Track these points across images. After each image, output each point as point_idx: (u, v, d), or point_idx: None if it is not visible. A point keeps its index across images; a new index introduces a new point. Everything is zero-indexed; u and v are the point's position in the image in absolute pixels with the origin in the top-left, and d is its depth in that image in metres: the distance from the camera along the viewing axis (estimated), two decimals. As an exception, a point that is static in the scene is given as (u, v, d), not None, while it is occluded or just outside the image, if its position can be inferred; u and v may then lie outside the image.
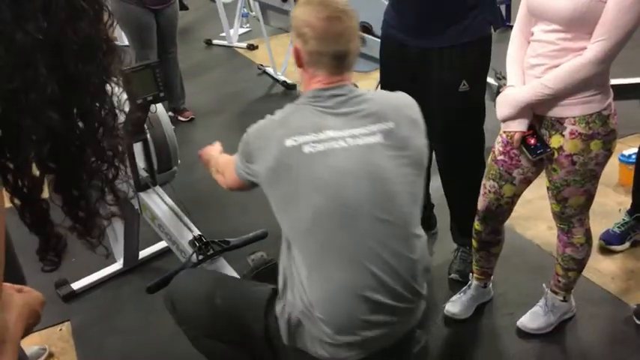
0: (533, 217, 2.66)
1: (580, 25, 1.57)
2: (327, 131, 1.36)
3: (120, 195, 0.85)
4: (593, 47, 1.57)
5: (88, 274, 2.51)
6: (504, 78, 2.13)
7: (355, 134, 1.37)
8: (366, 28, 3.13)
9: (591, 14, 1.54)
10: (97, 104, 0.75)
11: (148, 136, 2.08)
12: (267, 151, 1.38)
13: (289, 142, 1.35)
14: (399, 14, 2.14)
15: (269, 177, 1.39)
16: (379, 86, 2.43)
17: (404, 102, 1.49)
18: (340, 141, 1.36)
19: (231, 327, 1.55)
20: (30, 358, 2.12)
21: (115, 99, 0.79)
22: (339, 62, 1.40)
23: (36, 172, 0.72)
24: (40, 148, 0.69)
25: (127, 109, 0.87)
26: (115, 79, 0.78)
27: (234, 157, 1.57)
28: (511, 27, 1.89)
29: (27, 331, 0.88)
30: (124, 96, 0.84)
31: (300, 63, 1.43)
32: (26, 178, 0.71)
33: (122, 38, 5.26)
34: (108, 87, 0.76)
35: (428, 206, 2.62)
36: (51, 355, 2.18)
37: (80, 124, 0.73)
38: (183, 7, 5.97)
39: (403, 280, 1.39)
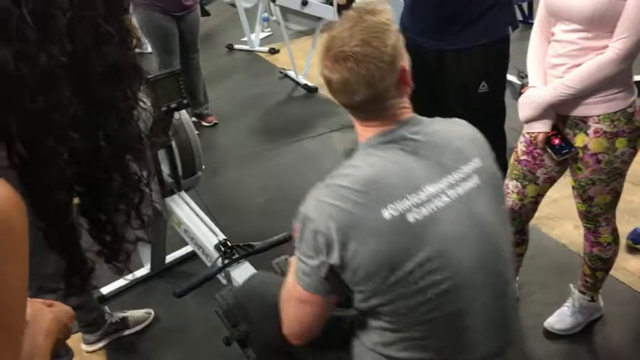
0: (559, 217, 2.63)
1: (601, 24, 1.56)
2: (426, 187, 1.09)
3: (145, 219, 0.85)
4: (615, 45, 1.56)
5: (117, 279, 2.55)
6: (527, 77, 2.12)
7: (452, 182, 1.13)
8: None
9: (612, 13, 1.53)
10: (124, 128, 0.76)
11: (173, 142, 2.11)
12: (357, 234, 1.05)
13: (388, 214, 1.05)
14: (416, 17, 2.14)
15: (369, 267, 1.06)
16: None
17: (467, 127, 1.27)
18: (442, 196, 1.10)
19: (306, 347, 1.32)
20: (137, 321, 2.31)
21: (142, 124, 0.80)
22: (374, 107, 1.14)
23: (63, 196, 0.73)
24: (63, 171, 0.70)
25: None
26: (142, 104, 0.79)
27: (293, 269, 1.19)
28: (533, 24, 1.88)
29: (59, 344, 0.89)
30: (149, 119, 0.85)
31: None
32: (52, 201, 0.72)
33: (146, 45, 5.35)
34: (135, 112, 0.77)
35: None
36: (81, 358, 2.23)
37: (106, 147, 0.74)
38: (205, 13, 6.04)
39: (500, 337, 1.20)
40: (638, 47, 1.56)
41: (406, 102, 1.19)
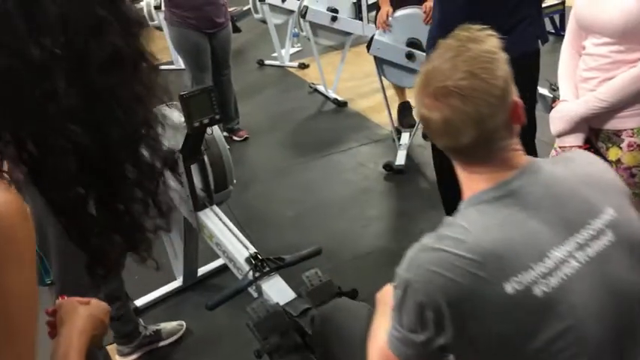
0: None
1: (632, 37, 1.54)
2: (552, 251, 0.92)
3: (164, 207, 0.84)
4: (648, 58, 1.54)
5: (150, 291, 2.60)
6: (558, 89, 2.11)
7: (581, 242, 0.94)
8: (416, 44, 3.14)
9: (644, 25, 1.52)
10: (129, 117, 0.73)
11: (205, 157, 2.15)
12: (474, 312, 0.90)
13: (511, 288, 0.89)
14: (447, 31, 2.14)
15: (488, 349, 0.93)
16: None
17: (592, 165, 1.06)
18: (571, 261, 0.93)
19: None
20: (170, 333, 2.36)
21: (159, 114, 0.77)
22: (482, 150, 0.97)
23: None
24: (70, 164, 0.68)
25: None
26: (157, 93, 0.76)
27: (387, 332, 1.02)
28: (564, 36, 1.87)
29: (95, 340, 0.90)
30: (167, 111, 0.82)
31: None
32: (66, 195, 0.71)
33: (179, 62, 5.46)
34: (147, 99, 0.74)
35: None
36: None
37: (114, 138, 0.72)
38: (236, 30, 6.13)
39: None
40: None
41: (517, 143, 1.02)
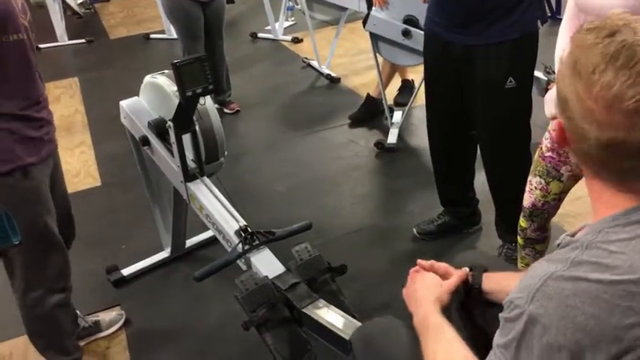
0: (582, 214, 2.60)
1: (634, 19, 1.53)
2: None
3: None
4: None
5: (137, 261, 2.59)
6: (554, 72, 2.10)
7: None
8: (412, 21, 3.11)
9: (646, 8, 1.50)
10: None
11: (197, 127, 2.13)
12: (617, 347, 0.76)
13: None
14: (444, 11, 2.12)
15: None
16: (423, 83, 2.42)
17: None
18: None
19: None
20: (110, 322, 2.29)
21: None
22: None
23: None
24: None
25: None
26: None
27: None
28: (561, 19, 1.86)
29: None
30: None
31: (565, 145, 0.90)
32: None
33: (171, 31, 5.38)
34: None
35: (473, 202, 2.60)
36: (103, 339, 2.27)
37: None
38: (230, 1, 6.04)
39: None
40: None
41: None
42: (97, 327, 2.26)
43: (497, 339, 0.87)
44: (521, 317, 0.81)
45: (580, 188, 1.99)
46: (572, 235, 0.90)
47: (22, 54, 1.67)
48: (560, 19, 1.79)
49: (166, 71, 2.15)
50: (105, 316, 2.30)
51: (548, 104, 1.77)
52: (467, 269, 1.32)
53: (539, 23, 2.04)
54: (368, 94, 3.85)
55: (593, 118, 0.79)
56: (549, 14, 5.07)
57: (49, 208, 1.82)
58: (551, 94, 1.75)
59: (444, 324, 1.10)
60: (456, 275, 1.26)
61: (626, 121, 0.77)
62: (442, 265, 1.29)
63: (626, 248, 0.80)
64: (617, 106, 0.77)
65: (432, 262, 1.30)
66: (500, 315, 0.87)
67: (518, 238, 2.08)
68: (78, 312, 2.20)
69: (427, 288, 1.21)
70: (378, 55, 3.42)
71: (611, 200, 0.86)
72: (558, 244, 0.90)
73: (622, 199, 0.85)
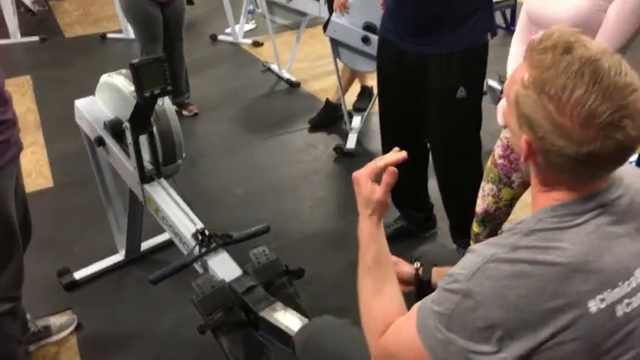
0: (532, 221, 2.69)
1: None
2: (638, 270, 0.87)
3: None
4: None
5: (90, 264, 2.54)
6: (507, 82, 2.16)
7: None
8: (371, 28, 3.15)
9: (592, 23, 1.57)
10: None
11: (154, 128, 2.10)
12: (546, 328, 0.82)
13: (594, 306, 0.83)
14: (398, 20, 2.16)
15: None
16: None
17: None
18: None
19: None
20: (61, 327, 2.23)
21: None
22: (617, 157, 0.87)
23: None
24: None
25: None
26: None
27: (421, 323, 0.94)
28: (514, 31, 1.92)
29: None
30: None
31: (530, 160, 0.92)
32: None
33: (128, 31, 5.29)
34: None
35: (427, 207, 2.66)
36: (53, 345, 2.21)
37: None
38: (190, 2, 5.96)
39: None
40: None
41: None
42: (47, 331, 2.20)
43: (432, 304, 0.92)
44: (459, 291, 0.87)
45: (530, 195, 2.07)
46: None
47: None
48: (514, 31, 1.86)
49: (123, 71, 2.12)
50: (55, 321, 2.24)
51: (500, 112, 1.82)
52: (417, 264, 1.38)
53: (489, 36, 2.10)
54: (327, 99, 3.88)
55: (570, 135, 0.82)
56: (503, 26, 5.25)
57: (12, 213, 1.76)
58: (504, 102, 1.81)
59: (379, 253, 1.12)
60: (384, 185, 1.16)
61: (601, 134, 0.81)
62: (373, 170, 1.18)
63: (561, 236, 0.86)
64: (592, 122, 0.81)
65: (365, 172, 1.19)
66: (439, 283, 0.93)
67: (471, 242, 2.13)
68: (28, 316, 2.14)
69: (365, 199, 1.16)
70: (338, 60, 3.45)
71: (559, 194, 0.91)
72: (500, 232, 0.96)
73: (566, 195, 0.90)
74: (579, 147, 0.82)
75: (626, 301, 0.85)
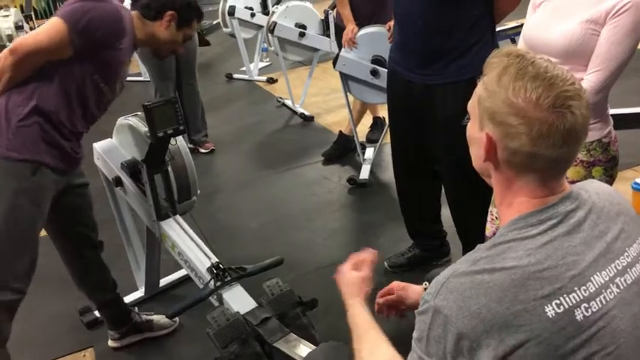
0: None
1: (576, 57, 1.64)
2: (594, 276, 0.91)
3: None
4: (589, 78, 1.63)
5: (111, 302, 2.58)
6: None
7: (620, 269, 0.94)
8: (380, 61, 3.22)
9: (585, 47, 1.61)
10: None
11: (169, 167, 2.17)
12: (513, 337, 0.86)
13: (551, 310, 0.87)
14: (404, 52, 2.23)
15: None
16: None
17: (622, 199, 1.06)
18: (612, 286, 0.92)
19: None
20: (162, 326, 2.39)
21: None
22: (558, 166, 0.96)
23: None
24: None
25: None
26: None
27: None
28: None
29: None
30: None
31: (491, 158, 0.97)
32: None
33: (146, 74, 5.46)
34: None
35: (441, 234, 2.67)
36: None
37: None
38: (206, 43, 6.17)
39: None
40: (610, 80, 1.63)
41: None
42: (149, 325, 2.38)
43: (414, 334, 0.96)
44: (429, 310, 0.91)
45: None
46: None
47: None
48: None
49: (139, 113, 2.20)
50: (160, 318, 2.40)
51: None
52: (426, 284, 1.42)
53: None
54: (340, 131, 3.94)
55: (525, 114, 0.91)
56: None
57: (42, 213, 1.86)
58: None
59: (369, 324, 1.18)
60: (366, 264, 1.35)
61: (552, 112, 0.90)
62: (355, 261, 1.37)
63: (518, 247, 0.91)
64: (542, 103, 0.90)
65: (347, 264, 1.37)
66: (415, 311, 0.97)
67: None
68: (136, 308, 2.39)
69: (348, 286, 1.29)
70: (348, 93, 3.52)
71: (518, 206, 0.97)
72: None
73: (524, 206, 0.96)
74: (532, 125, 0.90)
75: (584, 305, 0.88)
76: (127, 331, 2.33)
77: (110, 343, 2.35)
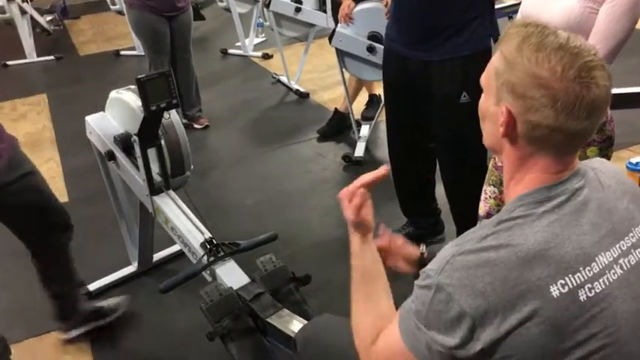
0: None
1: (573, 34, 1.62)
2: (599, 257, 0.90)
3: None
4: (588, 56, 1.62)
5: (104, 276, 2.59)
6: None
7: (624, 250, 0.93)
8: (377, 38, 3.19)
9: (584, 25, 1.59)
10: None
11: (162, 141, 2.15)
12: (513, 313, 0.85)
13: (556, 290, 0.86)
14: (401, 28, 2.20)
15: (525, 354, 0.86)
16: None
17: (628, 179, 1.05)
18: (616, 267, 0.91)
19: None
20: (113, 308, 2.35)
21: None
22: (576, 141, 0.93)
23: None
24: None
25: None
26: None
27: (403, 326, 0.97)
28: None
29: None
30: None
31: (509, 133, 0.94)
32: None
33: (141, 48, 5.40)
34: None
35: (435, 212, 2.67)
36: (67, 353, 2.26)
37: None
38: (200, 18, 6.10)
39: None
40: (609, 58, 1.62)
41: None
42: (101, 312, 2.31)
43: (412, 304, 0.94)
44: (431, 286, 0.89)
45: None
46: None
47: None
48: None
49: (132, 86, 2.18)
50: (109, 302, 2.35)
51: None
52: (423, 247, 1.35)
53: (491, 41, 2.13)
54: (336, 108, 3.92)
55: (548, 85, 0.87)
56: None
57: None
58: None
59: (364, 268, 1.13)
60: (358, 193, 1.19)
61: (576, 85, 0.87)
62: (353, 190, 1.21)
63: (525, 224, 0.90)
64: (567, 74, 0.87)
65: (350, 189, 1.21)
66: (415, 282, 0.95)
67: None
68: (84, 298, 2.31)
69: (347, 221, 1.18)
70: (344, 70, 3.49)
71: (528, 183, 0.94)
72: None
73: (534, 182, 0.94)
74: (557, 98, 0.87)
75: (588, 285, 0.88)
76: (78, 321, 2.24)
77: (63, 336, 2.28)
